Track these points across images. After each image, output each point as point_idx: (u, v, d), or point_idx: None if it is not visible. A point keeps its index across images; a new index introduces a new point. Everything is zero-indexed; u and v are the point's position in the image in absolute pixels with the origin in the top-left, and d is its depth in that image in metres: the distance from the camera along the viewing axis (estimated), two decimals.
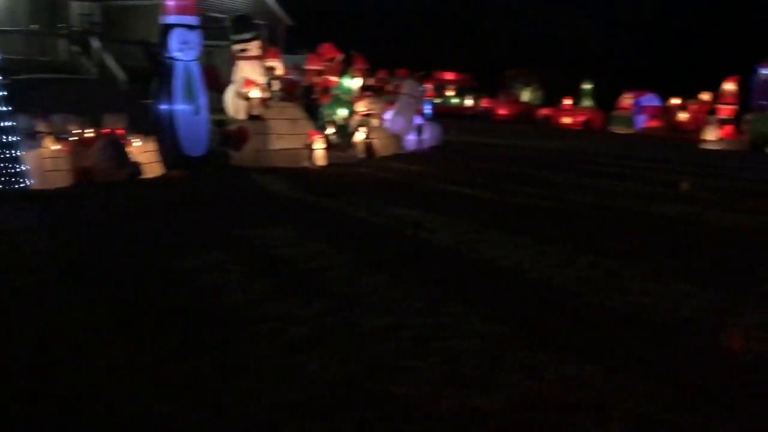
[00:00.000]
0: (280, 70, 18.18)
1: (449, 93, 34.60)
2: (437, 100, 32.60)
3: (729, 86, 25.40)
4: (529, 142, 20.18)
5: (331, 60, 19.34)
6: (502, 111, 32.99)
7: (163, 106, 9.44)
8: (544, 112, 31.96)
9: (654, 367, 3.81)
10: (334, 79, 17.12)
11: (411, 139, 15.60)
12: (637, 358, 3.91)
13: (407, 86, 15.52)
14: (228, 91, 19.24)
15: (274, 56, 19.28)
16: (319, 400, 3.21)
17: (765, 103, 24.59)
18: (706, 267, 6.20)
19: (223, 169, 10.52)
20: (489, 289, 5.15)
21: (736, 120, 24.31)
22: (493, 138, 21.42)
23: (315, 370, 3.53)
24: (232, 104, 17.45)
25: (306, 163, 11.46)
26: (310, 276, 5.24)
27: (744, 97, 25.33)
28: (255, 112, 11.26)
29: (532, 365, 3.71)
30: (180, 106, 9.45)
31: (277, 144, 11.34)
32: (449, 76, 34.66)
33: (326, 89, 15.47)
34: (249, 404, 3.13)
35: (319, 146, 11.48)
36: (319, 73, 18.81)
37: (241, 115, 13.05)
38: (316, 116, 12.87)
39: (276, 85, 15.83)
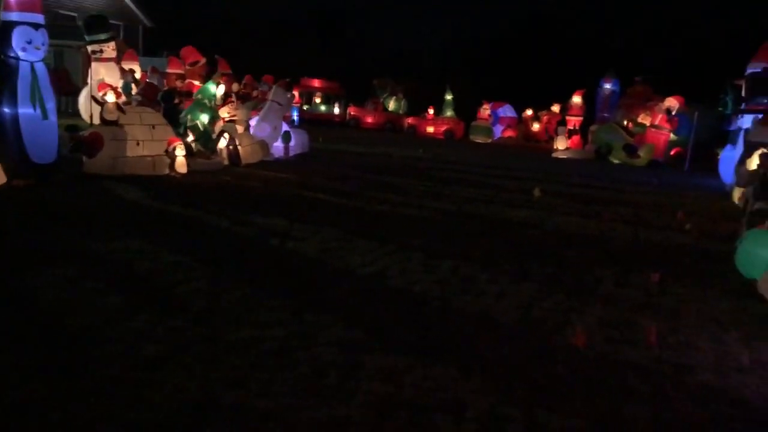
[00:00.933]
0: (138, 72, 17.42)
1: (317, 100, 34.69)
2: (305, 107, 32.60)
3: (576, 99, 27.47)
4: (394, 151, 20.64)
5: (194, 64, 18.81)
6: (370, 119, 33.53)
7: (5, 110, 8.70)
8: (409, 121, 32.84)
9: (508, 366, 4.02)
10: (196, 83, 16.64)
11: (278, 147, 15.46)
12: (492, 359, 4.11)
13: (274, 92, 15.37)
14: (81, 95, 18.15)
15: (132, 58, 18.47)
16: (177, 419, 3.09)
17: (607, 115, 26.84)
18: (554, 269, 6.63)
19: (74, 178, 9.87)
20: (353, 296, 5.20)
21: (582, 130, 26.31)
22: (361, 146, 21.70)
23: (172, 388, 3.40)
24: (86, 108, 16.49)
25: (166, 171, 11.02)
26: (167, 290, 5.04)
27: (589, 109, 27.49)
28: (110, 117, 10.67)
29: (392, 370, 3.80)
30: (25, 111, 8.75)
31: (135, 151, 10.81)
32: (317, 83, 34.74)
33: (188, 94, 15.00)
34: (102, 428, 2.96)
35: (179, 153, 11.07)
36: (181, 77, 18.24)
37: (96, 120, 12.35)
38: (176, 122, 12.42)
39: (134, 89, 15.16)
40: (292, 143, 15.86)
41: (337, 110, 34.88)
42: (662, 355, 4.44)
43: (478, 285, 5.80)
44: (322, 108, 34.69)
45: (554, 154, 23.95)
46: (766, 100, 15.10)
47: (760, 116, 14.18)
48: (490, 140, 30.26)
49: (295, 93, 29.62)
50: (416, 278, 5.86)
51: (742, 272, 6.80)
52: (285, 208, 8.90)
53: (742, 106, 16.24)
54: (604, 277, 6.45)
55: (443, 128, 31.39)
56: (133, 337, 4.03)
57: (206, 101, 12.94)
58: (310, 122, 29.56)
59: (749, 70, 16.16)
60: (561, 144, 24.49)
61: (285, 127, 15.81)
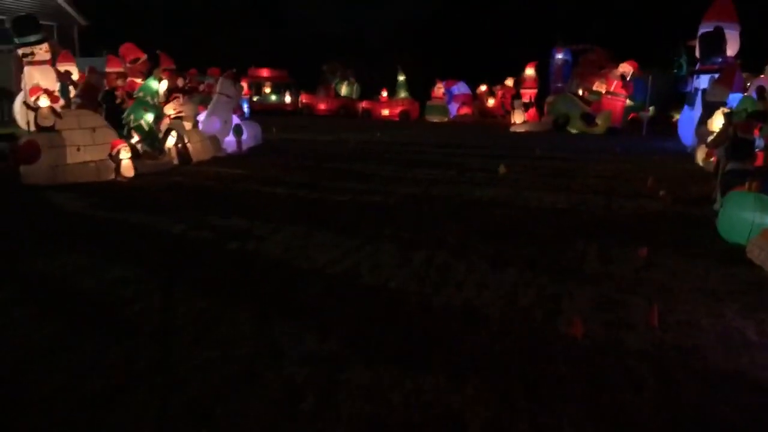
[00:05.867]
0: (75, 74, 16.49)
1: (267, 90, 33.83)
2: (254, 98, 31.78)
3: (529, 71, 27.26)
4: (351, 136, 20.13)
5: (135, 61, 17.89)
6: (323, 106, 32.87)
7: None
8: (363, 105, 32.29)
9: (501, 366, 3.62)
10: (138, 81, 15.82)
11: (230, 141, 14.81)
12: (483, 359, 3.71)
13: (221, 85, 14.67)
14: (17, 101, 17.10)
15: (68, 59, 17.47)
16: None
17: (561, 85, 26.72)
18: (532, 250, 6.27)
19: (12, 190, 9.14)
20: (324, 300, 4.74)
21: (538, 103, 26.15)
22: (316, 134, 21.12)
23: (122, 430, 2.91)
24: (21, 115, 15.52)
25: (111, 176, 10.33)
26: (114, 310, 4.49)
27: (543, 81, 27.35)
28: (45, 122, 9.91)
29: (376, 386, 3.36)
30: None
31: (76, 157, 10.09)
32: (265, 72, 33.86)
33: (130, 93, 14.20)
34: None
35: (125, 156, 10.38)
36: (122, 75, 17.32)
37: (32, 127, 11.54)
38: (120, 123, 11.68)
39: (72, 91, 14.28)
40: (244, 137, 15.22)
41: (288, 99, 34.09)
42: (664, 337, 4.10)
43: (457, 275, 5.39)
44: (273, 97, 33.87)
45: (512, 128, 23.72)
46: (720, 59, 15.06)
47: (717, 75, 14.10)
48: (446, 119, 29.95)
49: (244, 84, 28.87)
50: (390, 273, 5.42)
51: (725, 237, 6.56)
52: (242, 207, 8.36)
53: (697, 67, 16.18)
54: (586, 255, 6.12)
55: (398, 110, 30.96)
56: (76, 370, 3.51)
57: (149, 99, 12.20)
58: (261, 113, 28.79)
59: (701, 30, 16.09)
60: (518, 118, 24.26)
61: (236, 120, 15.15)
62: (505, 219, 7.80)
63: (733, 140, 8.14)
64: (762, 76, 14.19)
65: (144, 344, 3.89)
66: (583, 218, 7.89)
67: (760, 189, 6.51)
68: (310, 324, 4.23)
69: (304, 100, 33.08)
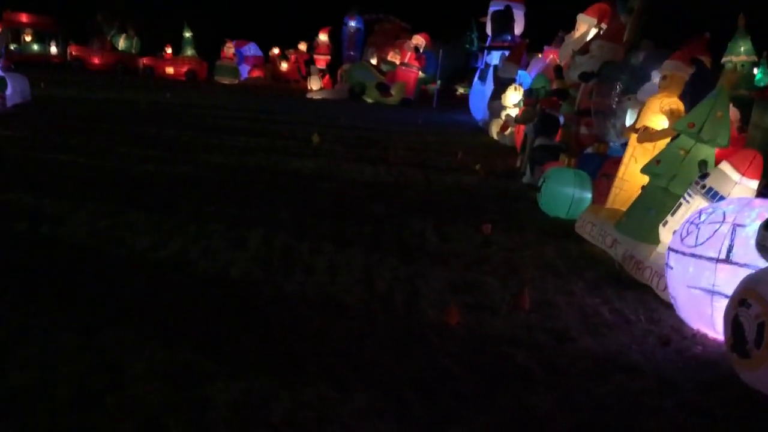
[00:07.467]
0: None
1: (27, 38, 29.64)
2: (12, 47, 27.72)
3: (323, 37, 27.01)
4: (136, 96, 18.31)
5: None
6: (97, 60, 29.55)
7: None
8: (144, 61, 29.67)
9: (384, 366, 3.28)
10: None
11: None
12: (361, 360, 3.33)
13: None
14: None
15: None
16: None
17: (353, 53, 26.85)
18: (371, 227, 5.99)
19: None
20: (156, 295, 3.99)
21: (332, 70, 26.03)
22: (93, 91, 18.89)
23: None
24: None
25: None
26: None
27: (337, 48, 27.27)
28: None
29: (249, 402, 2.82)
30: None
31: None
32: (25, 17, 29.58)
33: None
34: None
35: None
36: None
37: None
38: None
39: None
40: (8, 91, 12.99)
41: (54, 49, 30.21)
42: (529, 319, 4.05)
43: (302, 258, 4.92)
44: (35, 47, 29.80)
45: (309, 95, 23.33)
46: (509, 37, 16.02)
47: (507, 53, 14.96)
48: (237, 81, 28.68)
49: None
50: (226, 258, 4.79)
51: (546, 211, 6.86)
52: (21, 178, 7.02)
53: (488, 43, 17.09)
54: (424, 232, 5.99)
55: (184, 68, 28.97)
56: None
57: None
58: (21, 64, 25.11)
59: (492, 8, 16.97)
60: (315, 84, 23.92)
61: None
62: (334, 193, 7.45)
63: (541, 117, 8.59)
64: (540, 55, 15.26)
65: None
66: (409, 192, 7.83)
67: (578, 165, 6.90)
68: (146, 328, 3.51)
69: (74, 53, 29.43)
